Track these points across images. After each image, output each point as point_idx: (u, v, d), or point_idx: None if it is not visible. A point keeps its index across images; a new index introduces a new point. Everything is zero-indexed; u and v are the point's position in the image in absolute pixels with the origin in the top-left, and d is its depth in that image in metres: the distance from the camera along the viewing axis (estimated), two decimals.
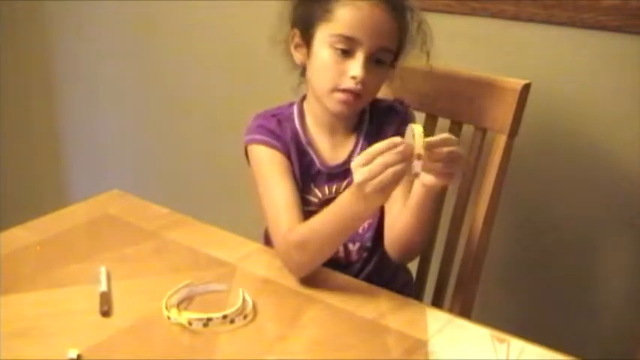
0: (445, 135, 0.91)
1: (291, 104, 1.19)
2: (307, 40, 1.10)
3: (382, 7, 1.04)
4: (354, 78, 1.04)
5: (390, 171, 0.88)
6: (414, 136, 0.89)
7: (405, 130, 0.93)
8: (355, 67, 1.04)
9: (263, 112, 1.19)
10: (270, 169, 1.12)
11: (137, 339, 0.92)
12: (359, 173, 0.90)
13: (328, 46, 1.06)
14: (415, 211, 1.03)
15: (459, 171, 0.92)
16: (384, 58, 1.07)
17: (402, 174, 0.89)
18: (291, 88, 1.18)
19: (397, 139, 0.90)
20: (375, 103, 1.17)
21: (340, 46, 1.05)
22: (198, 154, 2.01)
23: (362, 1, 1.04)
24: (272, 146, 1.13)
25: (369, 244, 1.15)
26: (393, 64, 1.12)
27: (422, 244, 1.10)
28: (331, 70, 1.06)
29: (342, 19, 1.05)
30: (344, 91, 1.06)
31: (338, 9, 1.05)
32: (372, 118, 1.16)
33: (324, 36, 1.07)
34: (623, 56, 1.26)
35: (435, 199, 1.01)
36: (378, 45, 1.05)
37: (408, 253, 1.13)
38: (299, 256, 1.03)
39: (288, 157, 1.13)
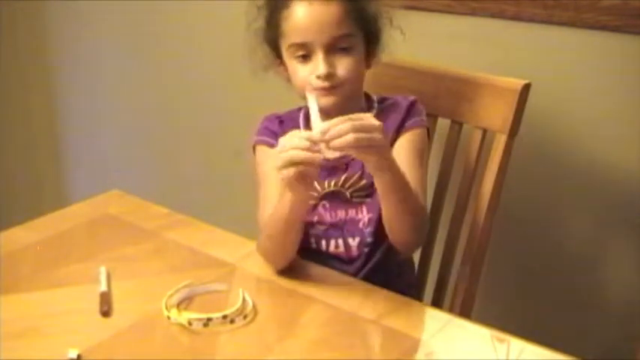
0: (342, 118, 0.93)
1: (300, 108, 1.22)
2: (280, 58, 1.14)
3: (318, 1, 1.06)
4: (319, 77, 1.07)
5: (292, 159, 0.91)
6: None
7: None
8: (316, 67, 1.07)
9: (270, 114, 1.22)
10: (265, 168, 1.15)
11: (137, 339, 0.92)
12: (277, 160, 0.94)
13: (290, 58, 1.10)
14: (381, 202, 1.04)
15: (374, 143, 0.92)
16: (346, 44, 1.08)
17: (305, 162, 0.91)
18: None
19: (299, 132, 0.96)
20: (382, 101, 1.19)
21: (298, 53, 1.09)
22: (198, 155, 2.01)
23: (298, 5, 1.07)
24: (272, 146, 1.15)
25: (369, 239, 1.15)
26: (370, 47, 1.13)
27: (403, 233, 1.08)
28: (301, 77, 1.10)
29: (289, 30, 1.09)
30: (318, 88, 1.08)
31: (283, 22, 1.09)
32: (377, 116, 1.16)
33: (284, 51, 1.11)
34: (623, 56, 1.26)
35: (384, 188, 1.01)
36: (330, 36, 1.07)
37: (397, 244, 1.11)
38: (267, 243, 1.08)
39: None
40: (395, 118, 1.15)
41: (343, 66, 1.08)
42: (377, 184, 1.02)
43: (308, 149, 0.91)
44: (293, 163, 0.91)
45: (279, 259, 1.08)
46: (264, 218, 1.09)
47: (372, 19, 1.12)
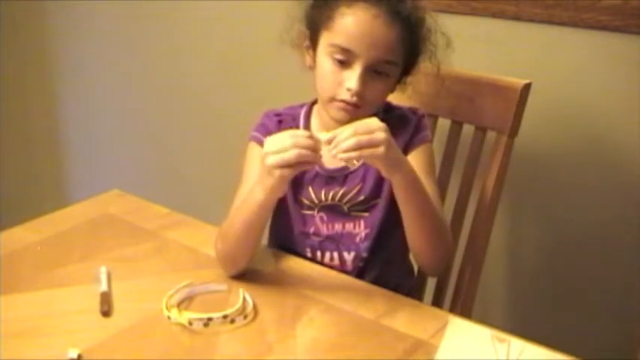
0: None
1: (302, 105, 1.18)
2: (314, 44, 1.09)
3: (383, 18, 1.02)
4: (349, 90, 1.03)
5: (300, 159, 0.89)
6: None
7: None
8: (351, 79, 1.02)
9: (270, 111, 1.18)
10: (251, 167, 1.12)
11: (137, 339, 0.92)
12: (267, 144, 0.92)
13: (327, 55, 1.05)
14: (402, 215, 1.02)
15: (376, 142, 0.90)
16: (385, 70, 1.05)
17: (306, 159, 0.89)
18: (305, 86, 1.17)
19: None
20: (389, 111, 1.15)
21: (338, 56, 1.03)
22: (198, 154, 2.01)
23: (362, 12, 1.02)
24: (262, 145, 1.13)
25: (365, 254, 1.13)
26: (403, 76, 1.11)
27: (426, 247, 1.05)
28: (329, 80, 1.05)
29: (341, 30, 1.03)
30: (341, 101, 1.05)
31: (338, 18, 1.04)
32: None
33: (324, 44, 1.06)
34: (623, 56, 1.26)
35: (402, 193, 0.99)
36: (377, 57, 1.03)
37: (422, 262, 1.10)
38: (220, 244, 1.06)
39: None
40: (404, 135, 1.12)
41: (373, 90, 1.04)
42: (395, 191, 0.99)
43: (313, 149, 0.89)
44: (294, 164, 0.89)
45: (231, 261, 1.06)
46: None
47: (418, 55, 1.10)
